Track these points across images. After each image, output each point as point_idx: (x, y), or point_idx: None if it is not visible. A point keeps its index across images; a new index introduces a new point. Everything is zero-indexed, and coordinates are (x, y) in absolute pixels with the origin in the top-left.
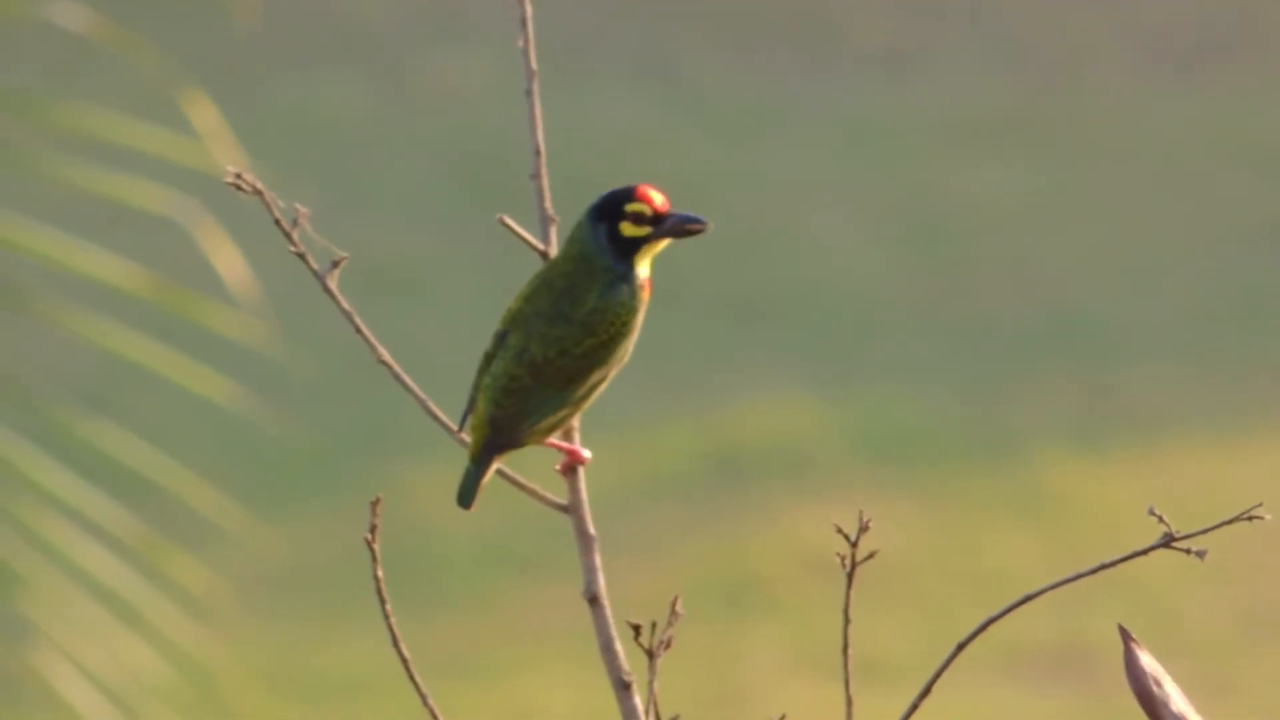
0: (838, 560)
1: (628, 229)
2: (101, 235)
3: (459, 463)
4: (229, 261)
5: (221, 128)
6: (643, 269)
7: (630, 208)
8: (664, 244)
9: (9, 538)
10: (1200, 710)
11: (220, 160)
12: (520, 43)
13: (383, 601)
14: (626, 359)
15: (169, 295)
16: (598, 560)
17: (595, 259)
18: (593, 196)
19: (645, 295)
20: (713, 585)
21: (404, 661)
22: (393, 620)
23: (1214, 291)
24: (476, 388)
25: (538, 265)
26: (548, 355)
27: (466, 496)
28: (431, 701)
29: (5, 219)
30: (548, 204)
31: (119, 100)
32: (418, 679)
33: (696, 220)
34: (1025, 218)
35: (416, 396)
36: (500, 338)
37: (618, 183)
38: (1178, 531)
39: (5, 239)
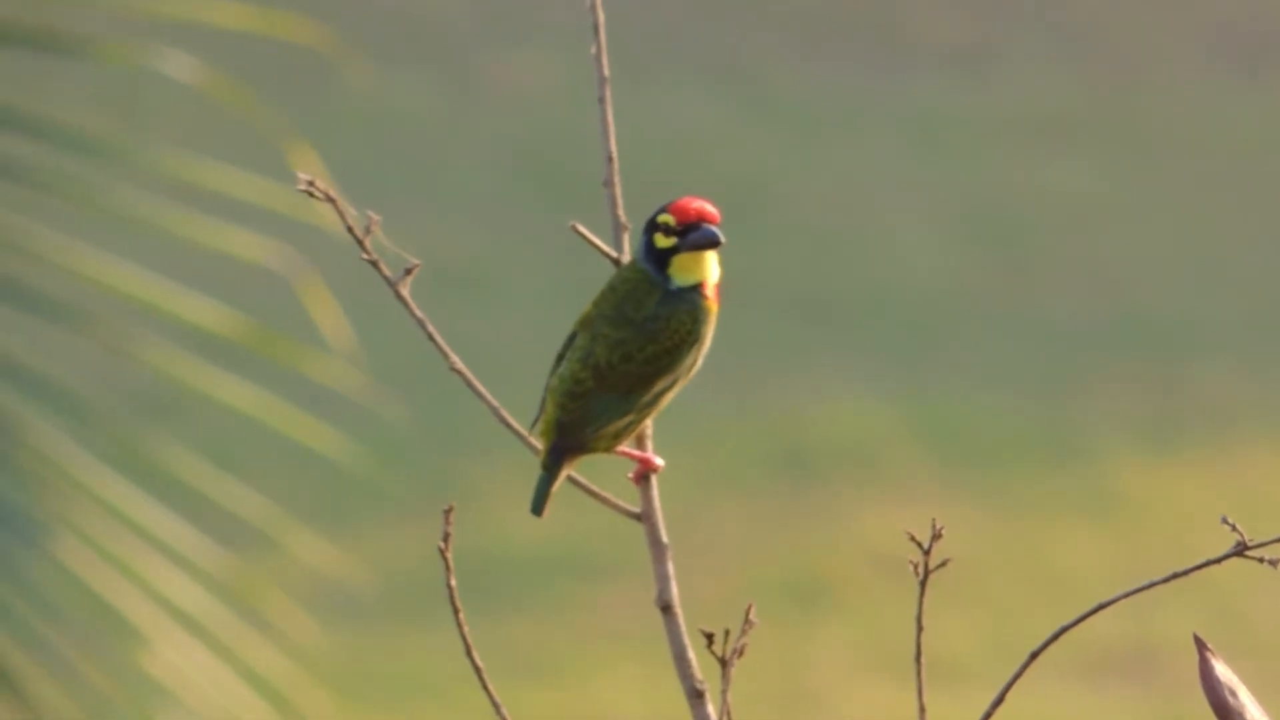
0: (909, 566)
1: (659, 240)
2: (200, 283)
3: (530, 465)
4: (327, 312)
5: (327, 182)
6: (680, 278)
7: (660, 219)
8: (705, 256)
9: (108, 574)
10: (1266, 710)
11: (323, 214)
12: (593, 50)
13: (456, 611)
14: (696, 369)
15: (263, 340)
16: (671, 569)
17: (645, 268)
18: (662, 197)
19: (711, 305)
20: (782, 585)
21: (477, 671)
22: (466, 630)
23: None
24: (547, 389)
25: (606, 266)
26: (611, 360)
27: (539, 504)
28: (505, 711)
29: (105, 261)
30: (620, 211)
31: (226, 150)
32: (491, 688)
33: (709, 237)
34: (1094, 216)
35: (489, 404)
36: (570, 339)
37: (688, 182)
38: (1250, 539)
39: (108, 283)
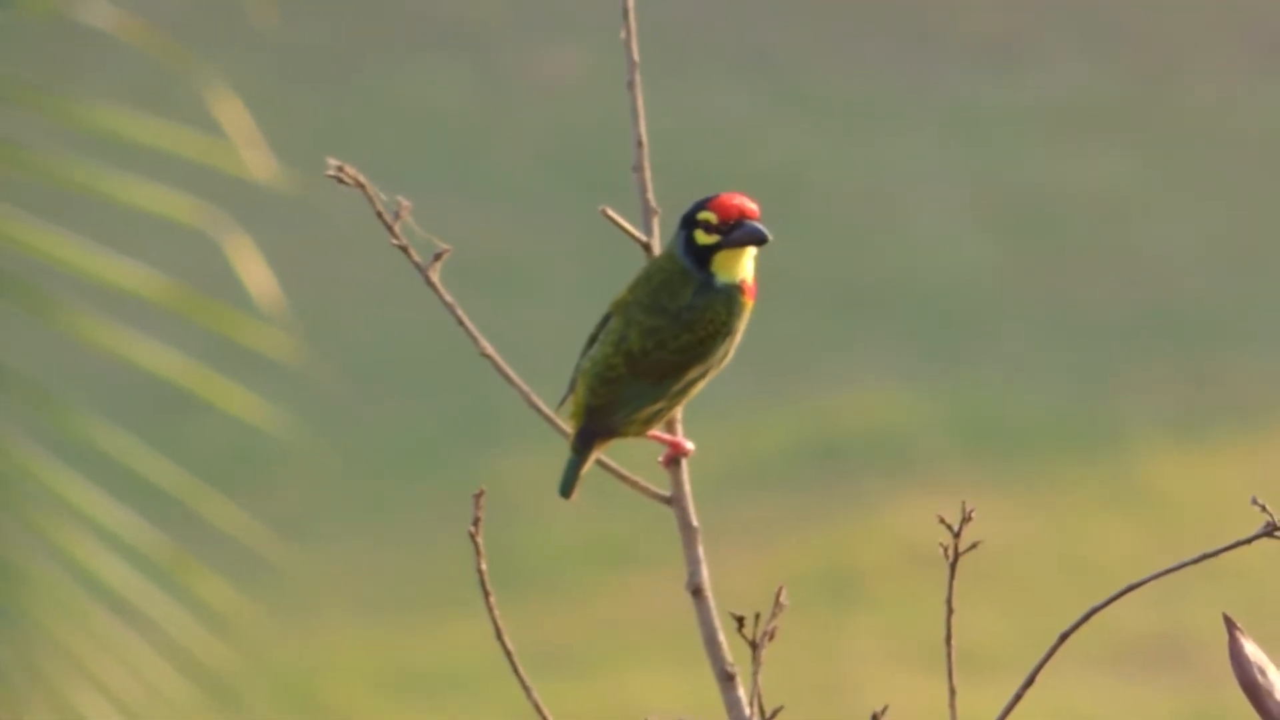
0: (939, 551)
1: (700, 237)
2: (132, 244)
3: (557, 455)
4: (255, 271)
5: (252, 130)
6: (723, 275)
7: (701, 216)
8: (745, 252)
9: (29, 547)
10: None
11: (251, 164)
12: (622, 34)
13: (486, 594)
14: (728, 360)
15: (197, 306)
16: (701, 552)
17: (682, 263)
18: (695, 188)
19: (747, 299)
20: (813, 576)
21: (508, 654)
22: (496, 613)
23: None
24: (578, 369)
25: (638, 257)
26: (645, 347)
27: (567, 486)
28: (536, 694)
29: (28, 223)
30: (650, 195)
31: (149, 102)
32: (521, 671)
33: (757, 234)
34: (1127, 207)
35: (519, 388)
36: (604, 320)
37: (720, 174)
38: None
39: (32, 244)
